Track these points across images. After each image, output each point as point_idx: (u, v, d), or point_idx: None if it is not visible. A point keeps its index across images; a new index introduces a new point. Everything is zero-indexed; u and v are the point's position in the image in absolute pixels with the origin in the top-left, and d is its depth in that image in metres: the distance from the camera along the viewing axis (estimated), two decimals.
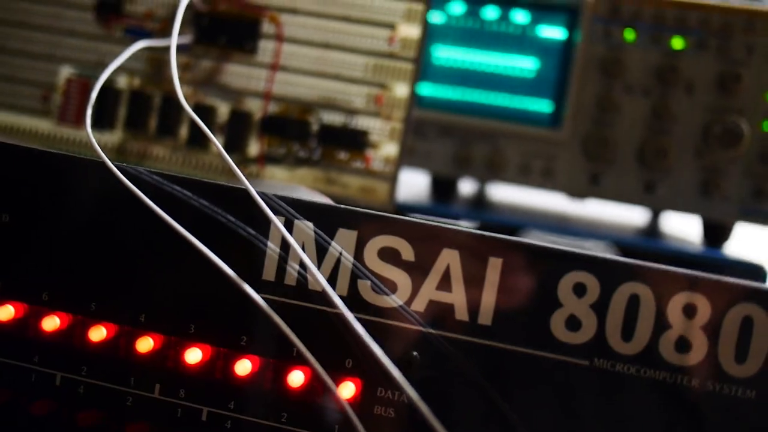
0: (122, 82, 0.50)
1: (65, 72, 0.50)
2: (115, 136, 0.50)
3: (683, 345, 0.31)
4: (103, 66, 0.45)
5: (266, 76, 0.48)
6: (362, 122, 0.47)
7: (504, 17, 0.54)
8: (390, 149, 0.47)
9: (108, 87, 0.49)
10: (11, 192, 0.35)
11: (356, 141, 0.47)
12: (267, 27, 0.49)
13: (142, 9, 0.50)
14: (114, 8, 0.50)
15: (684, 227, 0.68)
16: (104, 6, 0.50)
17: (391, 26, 0.47)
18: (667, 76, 0.53)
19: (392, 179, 0.47)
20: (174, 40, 0.45)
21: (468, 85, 0.55)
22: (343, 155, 0.47)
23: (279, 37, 0.48)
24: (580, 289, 0.31)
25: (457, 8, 0.55)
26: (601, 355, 0.31)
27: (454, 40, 0.55)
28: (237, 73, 0.49)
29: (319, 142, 0.48)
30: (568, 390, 0.31)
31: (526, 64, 0.54)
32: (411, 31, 0.47)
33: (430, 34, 0.55)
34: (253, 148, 0.48)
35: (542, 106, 0.55)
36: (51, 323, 0.33)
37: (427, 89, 0.57)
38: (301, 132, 0.48)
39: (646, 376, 0.31)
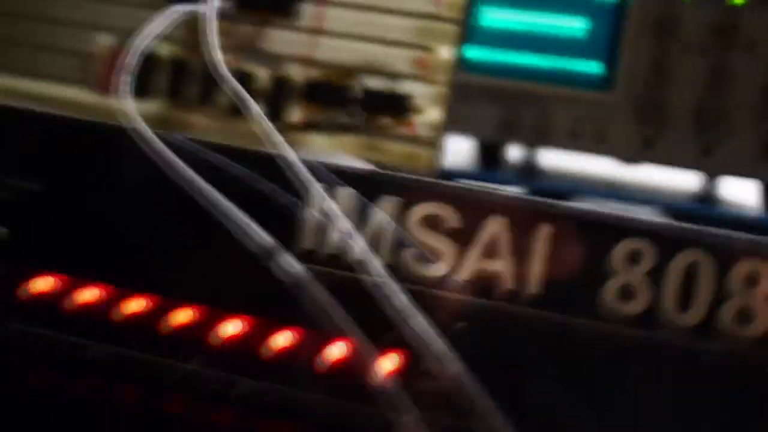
0: (161, 49, 0.49)
1: (104, 40, 0.49)
2: (154, 105, 0.49)
3: (745, 315, 0.29)
4: (141, 34, 0.44)
5: (307, 41, 0.47)
6: (406, 87, 0.46)
7: None
8: (434, 114, 0.46)
9: (146, 55, 0.49)
10: (47, 160, 0.35)
11: (400, 106, 0.46)
12: None
13: None
14: None
15: (741, 192, 0.65)
16: None
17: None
18: (726, 34, 0.50)
19: (437, 145, 0.46)
20: (211, 5, 0.44)
21: (515, 47, 0.53)
22: (386, 121, 0.46)
23: (321, 0, 0.47)
24: (634, 257, 0.30)
25: None
26: (656, 325, 0.29)
27: (501, 0, 0.53)
28: (278, 39, 0.48)
29: (361, 108, 0.46)
30: (620, 362, 0.30)
31: (575, 25, 0.52)
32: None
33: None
34: (295, 114, 0.47)
35: (593, 67, 0.53)
36: (87, 295, 0.33)
37: (472, 52, 0.55)
38: (343, 98, 0.47)
39: (705, 348, 0.29)
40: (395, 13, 0.46)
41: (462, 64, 0.49)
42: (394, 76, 0.46)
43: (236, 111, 0.48)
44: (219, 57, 0.45)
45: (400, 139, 0.46)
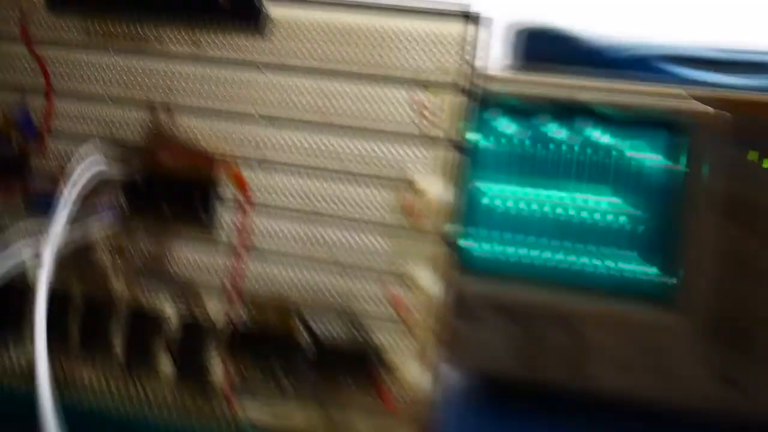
0: (30, 276, 0.35)
1: None
2: (24, 354, 0.35)
3: None
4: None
5: (229, 263, 0.33)
6: (374, 332, 0.31)
7: (576, 138, 0.38)
8: (415, 372, 0.31)
9: (9, 286, 0.34)
10: None
11: (365, 361, 0.31)
12: (228, 189, 0.33)
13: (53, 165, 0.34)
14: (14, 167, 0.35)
15: None
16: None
17: (409, 183, 0.31)
18: None
19: (421, 420, 0.31)
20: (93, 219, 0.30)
21: (529, 237, 0.38)
22: (346, 383, 0.31)
23: (245, 204, 0.33)
24: None
25: (508, 127, 0.38)
26: None
27: (504, 172, 0.38)
28: (188, 260, 0.33)
29: (310, 364, 0.32)
30: None
31: (611, 207, 0.38)
32: (434, 187, 0.31)
33: (473, 168, 0.38)
34: (217, 372, 0.33)
35: (641, 268, 0.38)
36: None
37: (473, 250, 0.40)
38: (283, 348, 0.32)
39: None
40: (356, 222, 0.32)
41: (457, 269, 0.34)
42: (356, 316, 0.32)
43: (138, 363, 0.34)
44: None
45: (368, 409, 0.31)
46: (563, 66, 0.39)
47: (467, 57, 0.31)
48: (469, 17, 0.31)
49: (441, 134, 0.31)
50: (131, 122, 0.34)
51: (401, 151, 0.32)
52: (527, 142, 0.38)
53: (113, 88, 0.34)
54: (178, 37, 0.34)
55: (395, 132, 0.32)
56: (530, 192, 0.38)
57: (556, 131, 0.38)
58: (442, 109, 0.31)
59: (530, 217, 0.38)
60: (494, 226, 0.38)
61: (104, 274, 0.34)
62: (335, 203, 0.32)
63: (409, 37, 0.31)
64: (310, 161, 0.32)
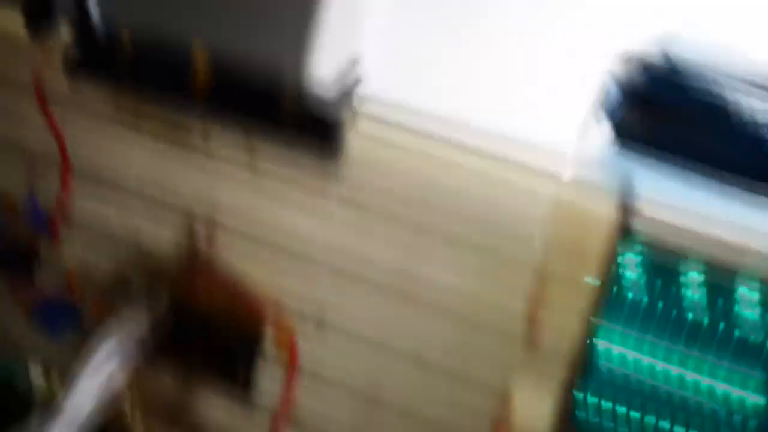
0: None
1: None
2: None
3: None
4: None
5: None
6: None
7: (723, 307, 0.29)
8: None
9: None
10: None
11: None
12: (272, 346, 0.26)
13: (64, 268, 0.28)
14: None
15: None
16: None
17: (502, 396, 0.24)
18: None
19: None
20: None
21: (645, 412, 0.31)
22: None
23: (291, 368, 0.26)
24: None
25: (640, 276, 0.29)
26: None
27: (631, 329, 0.30)
28: (216, 419, 0.27)
29: None
30: None
31: (753, 410, 0.30)
32: (531, 404, 0.24)
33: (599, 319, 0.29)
34: None
35: None
36: None
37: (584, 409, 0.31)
38: None
39: None
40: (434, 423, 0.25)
41: None
42: None
43: None
44: None
45: None
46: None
47: None
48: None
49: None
50: (163, 234, 0.27)
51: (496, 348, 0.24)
52: (660, 301, 0.30)
53: (144, 185, 0.27)
54: (230, 137, 0.25)
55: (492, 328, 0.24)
56: (655, 359, 0.30)
57: (698, 291, 0.29)
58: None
59: (650, 390, 0.30)
60: (608, 388, 0.31)
61: (122, 412, 0.28)
62: (402, 393, 0.25)
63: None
64: (380, 335, 0.25)
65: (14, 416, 0.29)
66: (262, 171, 0.25)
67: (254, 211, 0.26)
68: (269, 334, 0.26)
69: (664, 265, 0.29)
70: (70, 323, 0.28)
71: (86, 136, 0.27)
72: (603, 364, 0.29)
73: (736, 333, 0.29)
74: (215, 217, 0.26)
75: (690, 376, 0.30)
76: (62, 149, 0.27)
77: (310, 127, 0.24)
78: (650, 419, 0.30)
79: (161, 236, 0.27)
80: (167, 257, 0.27)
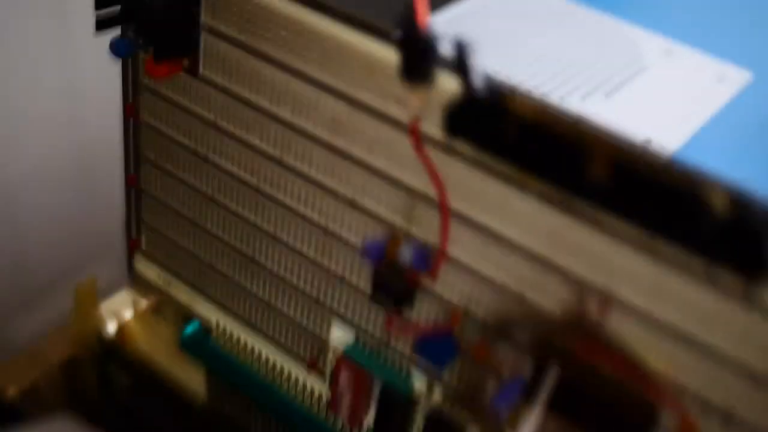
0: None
1: None
2: None
3: None
4: None
5: None
6: None
7: None
8: None
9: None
10: None
11: None
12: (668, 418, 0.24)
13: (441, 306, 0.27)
14: None
15: None
16: None
17: None
18: None
19: None
20: None
21: None
22: None
23: None
24: None
25: None
26: None
27: None
28: None
29: None
30: None
31: None
32: None
33: None
34: None
35: None
36: None
37: None
38: None
39: None
40: None
41: None
42: None
43: None
44: None
45: None
46: None
47: None
48: None
49: None
50: (548, 291, 0.25)
51: None
52: None
53: (534, 241, 0.24)
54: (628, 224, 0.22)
55: None
56: None
57: None
58: None
59: None
60: None
61: None
62: None
63: None
64: None
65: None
66: (663, 255, 0.22)
67: (651, 292, 0.23)
68: (668, 422, 0.23)
69: None
70: (451, 358, 0.27)
71: (462, 181, 0.25)
72: None
73: None
74: (609, 287, 0.23)
75: None
76: (440, 190, 0.25)
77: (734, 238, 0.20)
78: None
79: (546, 293, 0.25)
80: (552, 316, 0.25)
